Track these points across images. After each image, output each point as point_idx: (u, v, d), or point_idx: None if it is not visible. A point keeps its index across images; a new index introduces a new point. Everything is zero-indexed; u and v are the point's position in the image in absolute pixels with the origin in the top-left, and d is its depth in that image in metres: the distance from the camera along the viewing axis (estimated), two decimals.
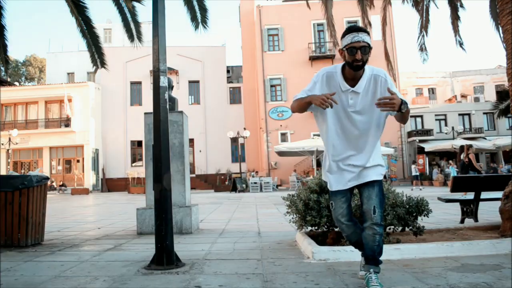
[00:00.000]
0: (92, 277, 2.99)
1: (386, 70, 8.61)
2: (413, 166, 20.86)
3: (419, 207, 3.73)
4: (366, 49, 2.29)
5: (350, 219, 2.56)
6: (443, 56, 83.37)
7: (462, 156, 11.46)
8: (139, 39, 7.30)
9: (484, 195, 5.47)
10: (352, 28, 2.34)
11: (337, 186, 2.51)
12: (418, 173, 20.45)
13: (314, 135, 26.02)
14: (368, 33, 2.35)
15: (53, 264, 3.51)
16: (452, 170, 18.19)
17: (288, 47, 28.23)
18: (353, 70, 2.34)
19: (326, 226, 3.92)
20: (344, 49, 2.34)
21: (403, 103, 2.22)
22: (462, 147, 12.06)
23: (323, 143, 2.60)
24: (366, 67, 2.40)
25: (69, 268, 3.33)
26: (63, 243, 4.74)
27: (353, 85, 2.38)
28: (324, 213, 3.74)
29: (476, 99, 30.92)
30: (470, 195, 5.58)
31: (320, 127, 2.60)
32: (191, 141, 27.18)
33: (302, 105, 2.43)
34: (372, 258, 2.45)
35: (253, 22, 29.57)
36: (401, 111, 2.23)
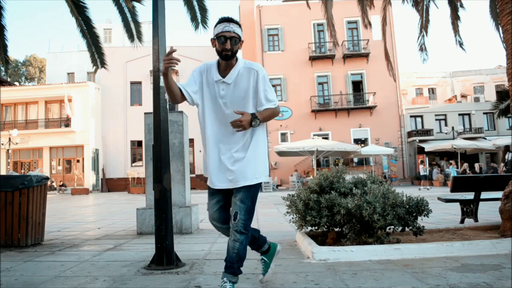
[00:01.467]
0: (92, 277, 2.99)
1: (387, 70, 8.61)
2: (421, 166, 20.89)
3: (419, 207, 3.73)
4: (236, 40, 2.32)
5: (225, 222, 2.49)
6: (443, 56, 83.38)
7: (508, 156, 11.41)
8: (139, 39, 7.30)
9: (484, 195, 5.47)
10: (224, 18, 2.35)
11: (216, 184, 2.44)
12: (426, 173, 20.45)
13: (314, 135, 26.05)
14: (240, 26, 2.37)
15: (53, 264, 3.51)
16: (452, 170, 18.20)
17: (288, 47, 28.22)
18: (222, 59, 2.36)
19: (326, 226, 3.92)
20: (215, 37, 2.35)
21: (253, 119, 2.29)
22: (507, 146, 12.08)
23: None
24: (240, 60, 2.42)
25: (69, 268, 3.33)
26: (63, 243, 4.74)
27: (224, 76, 2.39)
28: (324, 213, 3.74)
29: (476, 99, 30.90)
30: (470, 195, 5.58)
31: (199, 119, 2.52)
32: (191, 141, 27.07)
33: (165, 88, 2.38)
34: (229, 266, 2.38)
35: (253, 22, 29.56)
36: (252, 127, 2.33)
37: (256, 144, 2.44)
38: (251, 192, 2.38)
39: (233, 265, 2.37)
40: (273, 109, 2.44)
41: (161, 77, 2.41)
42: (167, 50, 3.63)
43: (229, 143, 2.41)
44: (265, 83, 2.41)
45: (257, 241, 2.68)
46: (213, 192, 2.50)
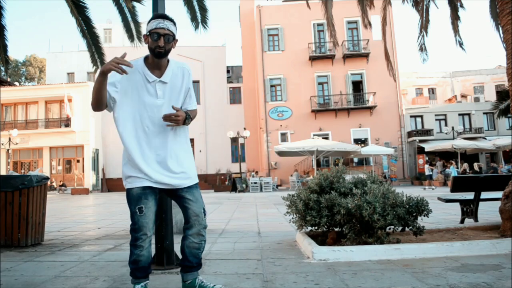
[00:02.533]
0: (92, 277, 2.99)
1: (387, 70, 8.62)
2: (426, 166, 20.90)
3: (419, 207, 3.73)
4: (170, 37, 2.24)
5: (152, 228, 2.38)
6: (443, 56, 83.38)
7: None
8: (139, 39, 7.30)
9: (484, 195, 5.47)
10: (158, 15, 2.30)
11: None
12: (432, 173, 20.47)
13: (314, 135, 26.06)
14: (175, 24, 2.29)
15: (53, 264, 3.51)
16: (453, 170, 18.19)
17: (288, 47, 28.23)
18: (155, 57, 2.26)
19: (326, 226, 3.92)
20: (148, 33, 2.27)
21: (187, 117, 2.28)
22: None
23: (125, 144, 2.32)
24: (171, 60, 2.36)
25: (69, 268, 3.33)
26: (63, 243, 4.74)
27: (159, 76, 2.30)
28: (324, 213, 3.74)
29: (476, 99, 30.91)
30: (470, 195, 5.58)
31: (118, 124, 2.32)
32: (191, 141, 27.06)
33: (97, 87, 2.15)
34: (197, 265, 2.45)
35: (253, 22, 29.58)
36: (185, 124, 2.32)
37: (187, 143, 2.45)
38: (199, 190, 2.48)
39: (200, 262, 2.45)
40: (196, 111, 2.48)
41: (96, 76, 2.20)
42: None
43: (167, 142, 2.33)
44: (192, 84, 2.44)
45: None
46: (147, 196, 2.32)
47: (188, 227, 2.38)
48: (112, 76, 2.22)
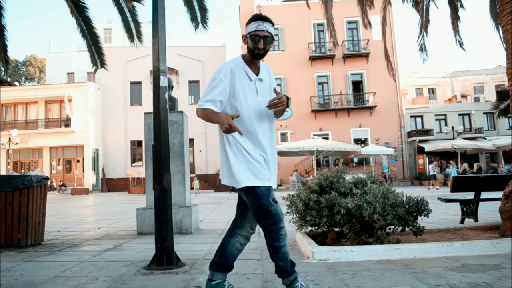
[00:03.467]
0: (92, 277, 2.99)
1: (387, 70, 8.62)
2: (430, 166, 20.91)
3: (419, 207, 3.73)
4: (269, 39, 2.30)
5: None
6: (443, 56, 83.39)
7: None
8: (139, 39, 7.30)
9: (484, 195, 5.47)
10: (258, 16, 2.32)
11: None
12: (436, 173, 20.46)
13: (314, 135, 26.06)
14: (273, 24, 2.33)
15: (53, 264, 3.51)
16: (453, 170, 18.17)
17: (288, 47, 28.23)
18: (254, 58, 2.33)
19: (326, 226, 3.92)
20: (248, 35, 2.31)
21: (288, 98, 2.29)
22: None
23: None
24: None
25: (69, 268, 3.33)
26: (63, 243, 4.74)
27: (256, 74, 2.38)
28: (324, 213, 3.74)
29: (476, 99, 30.90)
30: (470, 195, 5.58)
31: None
32: (191, 141, 27.16)
33: (211, 121, 2.30)
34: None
35: None
36: (288, 106, 2.30)
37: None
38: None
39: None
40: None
41: (213, 120, 2.28)
42: (167, 50, 3.64)
43: (269, 141, 2.40)
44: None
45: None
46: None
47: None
48: (221, 87, 2.30)
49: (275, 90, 2.34)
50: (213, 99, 2.28)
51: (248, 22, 2.34)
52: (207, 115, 2.29)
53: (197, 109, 2.33)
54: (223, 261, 2.37)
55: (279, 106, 2.24)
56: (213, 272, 2.40)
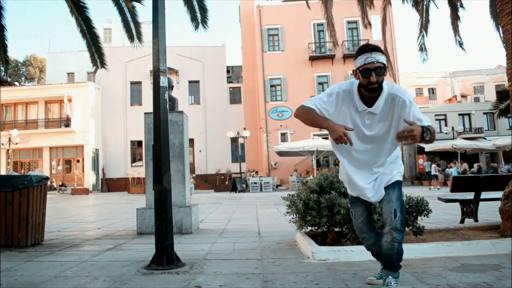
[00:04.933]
0: (92, 277, 2.99)
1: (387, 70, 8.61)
2: (433, 166, 20.88)
3: (419, 207, 3.73)
4: (382, 70, 2.17)
5: (370, 228, 2.53)
6: (443, 56, 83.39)
7: None
8: (139, 39, 7.30)
9: (484, 195, 5.47)
10: (365, 48, 2.21)
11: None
12: (437, 173, 20.43)
13: (314, 135, 26.03)
14: (383, 52, 2.21)
15: (53, 264, 3.51)
16: (455, 171, 18.14)
17: (288, 47, 28.23)
18: (368, 92, 2.22)
19: (326, 226, 3.92)
20: (358, 71, 2.23)
21: (424, 131, 2.07)
22: None
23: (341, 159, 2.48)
24: (385, 85, 2.27)
25: (69, 268, 3.33)
26: (63, 243, 4.74)
27: (370, 105, 2.26)
28: (324, 213, 3.74)
29: (476, 99, 30.89)
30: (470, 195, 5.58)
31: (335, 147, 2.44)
32: (191, 141, 27.17)
33: (315, 124, 2.26)
34: (391, 265, 2.38)
35: (253, 22, 29.56)
36: (424, 140, 2.09)
37: (395, 158, 2.47)
38: (400, 190, 2.39)
39: (394, 263, 2.37)
40: (433, 128, 2.19)
41: (320, 124, 2.24)
42: (167, 50, 3.64)
43: (374, 165, 2.39)
44: (417, 108, 2.24)
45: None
46: (358, 202, 2.48)
47: (380, 226, 2.45)
48: (328, 98, 2.29)
49: (405, 120, 2.12)
50: (316, 105, 2.27)
51: (356, 56, 2.26)
52: (311, 119, 2.26)
53: (299, 108, 2.32)
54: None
55: (408, 138, 2.05)
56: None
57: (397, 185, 2.36)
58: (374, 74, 2.16)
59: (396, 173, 2.40)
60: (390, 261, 2.38)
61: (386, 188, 2.35)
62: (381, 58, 2.18)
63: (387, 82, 2.30)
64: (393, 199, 2.31)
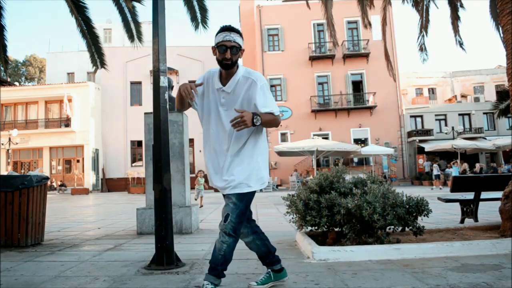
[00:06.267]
0: (92, 277, 2.99)
1: (387, 70, 8.62)
2: (434, 166, 20.87)
3: (419, 207, 3.73)
4: (236, 49, 2.33)
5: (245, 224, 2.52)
6: (443, 56, 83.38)
7: None
8: (139, 39, 7.30)
9: (484, 195, 5.47)
10: (225, 27, 2.36)
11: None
12: (439, 173, 20.42)
13: (314, 135, 26.03)
14: (241, 35, 2.38)
15: (53, 264, 3.51)
16: (456, 170, 18.13)
17: (288, 47, 28.22)
18: (222, 68, 2.38)
19: (326, 226, 3.92)
20: (215, 46, 2.36)
21: (254, 116, 2.24)
22: None
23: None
24: (241, 68, 2.42)
25: (69, 268, 3.33)
26: (63, 243, 4.74)
27: (225, 85, 2.41)
28: (324, 213, 3.74)
29: (476, 99, 30.90)
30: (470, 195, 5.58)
31: (201, 124, 2.57)
32: (191, 141, 27.09)
33: (177, 97, 2.43)
34: (213, 268, 2.33)
35: (253, 22, 29.56)
36: (254, 125, 2.25)
37: (253, 150, 2.41)
38: (246, 196, 2.36)
39: (217, 267, 2.32)
40: (274, 116, 2.38)
41: (176, 94, 2.43)
42: (167, 50, 3.64)
43: (227, 149, 2.39)
44: (264, 93, 2.37)
45: (270, 257, 2.64)
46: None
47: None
48: (198, 80, 2.46)
49: (235, 109, 2.28)
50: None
51: (216, 34, 2.37)
52: (176, 96, 2.44)
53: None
54: None
55: (240, 125, 2.21)
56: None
57: (238, 196, 2.34)
58: (229, 51, 2.31)
59: (243, 183, 2.34)
60: (215, 262, 2.33)
61: (230, 194, 2.36)
62: (238, 39, 2.35)
63: (246, 68, 2.46)
64: (230, 204, 2.35)
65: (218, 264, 2.32)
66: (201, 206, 9.58)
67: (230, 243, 2.33)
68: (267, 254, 2.62)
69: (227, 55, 2.31)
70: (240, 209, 2.33)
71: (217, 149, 2.43)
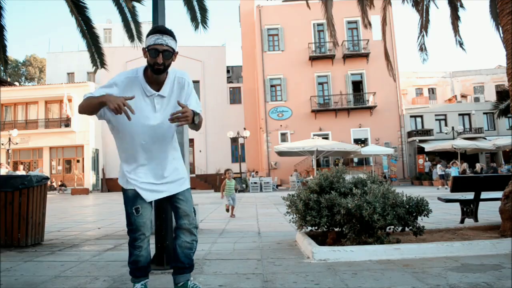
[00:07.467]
0: (92, 277, 2.99)
1: (387, 70, 8.62)
2: (438, 166, 20.86)
3: (419, 207, 3.73)
4: (169, 53, 2.16)
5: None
6: (443, 56, 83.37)
7: None
8: (139, 39, 7.30)
9: (484, 195, 5.47)
10: (158, 29, 2.20)
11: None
12: (443, 173, 20.41)
13: (314, 135, 26.04)
14: (174, 37, 2.21)
15: (53, 264, 3.51)
16: (456, 170, 18.12)
17: (288, 47, 28.22)
18: (154, 73, 2.19)
19: (326, 226, 3.92)
20: (146, 49, 2.19)
21: (195, 114, 2.15)
22: None
23: (120, 150, 2.53)
24: (170, 70, 2.27)
25: (69, 268, 3.33)
26: (63, 243, 4.74)
27: (158, 89, 2.24)
28: (324, 213, 3.74)
29: (476, 99, 30.91)
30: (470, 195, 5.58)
31: (115, 133, 2.45)
32: (191, 141, 27.18)
33: (93, 105, 2.15)
34: (189, 267, 2.41)
35: (253, 22, 29.57)
36: (193, 123, 2.17)
37: (177, 148, 2.58)
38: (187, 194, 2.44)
39: (192, 265, 2.40)
40: (201, 117, 2.31)
41: (96, 101, 2.12)
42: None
43: (157, 156, 2.38)
44: (194, 93, 2.35)
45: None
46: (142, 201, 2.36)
47: (178, 226, 2.38)
48: (109, 88, 2.19)
49: (179, 103, 2.13)
50: (97, 91, 2.19)
51: (148, 35, 2.21)
52: (89, 102, 2.15)
53: (79, 106, 2.24)
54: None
55: (182, 120, 2.08)
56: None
57: (189, 191, 2.45)
58: (162, 56, 2.14)
59: (187, 179, 2.49)
60: (189, 262, 2.39)
61: (184, 190, 2.42)
62: (171, 43, 2.18)
63: (173, 68, 2.30)
64: (188, 201, 2.42)
65: (192, 261, 2.40)
66: (233, 215, 7.74)
67: (197, 239, 2.41)
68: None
69: (159, 60, 2.14)
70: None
71: (155, 156, 2.37)
